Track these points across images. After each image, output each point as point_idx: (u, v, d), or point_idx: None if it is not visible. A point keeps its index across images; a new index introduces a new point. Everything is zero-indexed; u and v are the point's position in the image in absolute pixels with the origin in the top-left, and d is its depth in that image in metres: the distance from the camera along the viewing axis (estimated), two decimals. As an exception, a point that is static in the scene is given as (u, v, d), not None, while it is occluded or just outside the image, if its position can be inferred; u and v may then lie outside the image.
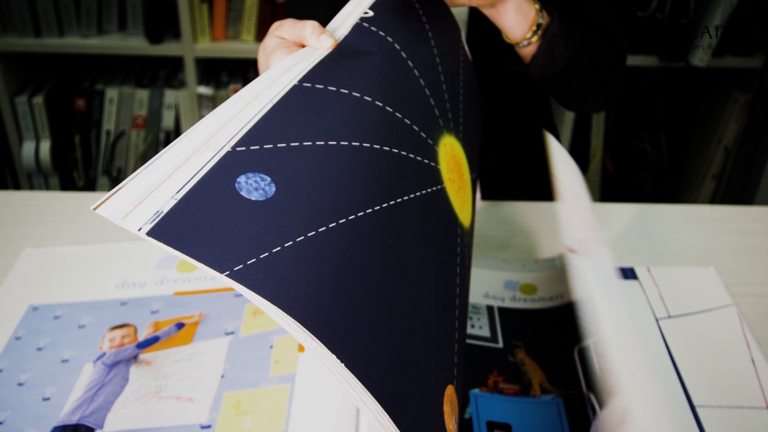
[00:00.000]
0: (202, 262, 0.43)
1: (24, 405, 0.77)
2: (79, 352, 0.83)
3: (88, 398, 0.77)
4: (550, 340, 0.86)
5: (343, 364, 0.45)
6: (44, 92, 2.23)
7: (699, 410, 0.77)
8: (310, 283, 0.46)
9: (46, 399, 0.77)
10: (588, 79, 1.05)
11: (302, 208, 0.50)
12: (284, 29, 0.74)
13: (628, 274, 0.97)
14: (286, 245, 0.47)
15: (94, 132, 2.30)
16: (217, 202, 0.47)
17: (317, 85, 0.62)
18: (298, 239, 0.48)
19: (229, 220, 0.46)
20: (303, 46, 0.71)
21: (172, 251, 0.43)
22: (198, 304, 0.90)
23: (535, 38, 0.95)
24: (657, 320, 0.89)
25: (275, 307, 0.44)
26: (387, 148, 0.61)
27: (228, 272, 0.43)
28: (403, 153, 0.63)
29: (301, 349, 0.82)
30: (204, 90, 2.19)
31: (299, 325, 0.44)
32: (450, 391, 0.59)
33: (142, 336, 0.86)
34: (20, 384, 0.79)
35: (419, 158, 0.65)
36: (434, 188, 0.66)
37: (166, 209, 0.45)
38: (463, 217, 0.73)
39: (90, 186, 2.36)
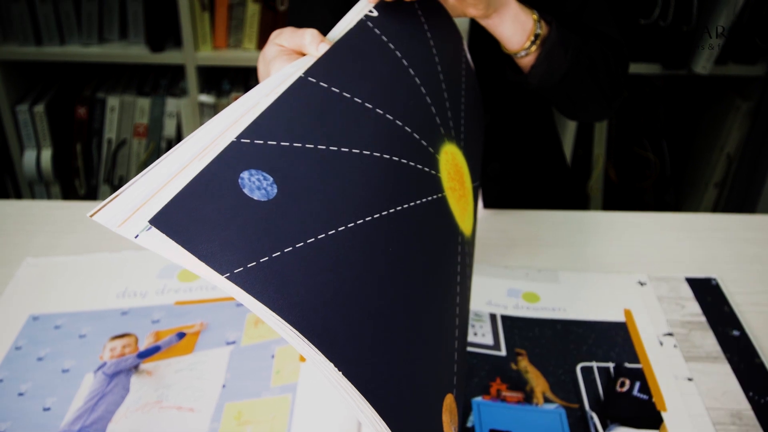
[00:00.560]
0: (203, 260, 0.43)
1: (24, 415, 0.76)
2: (80, 362, 0.83)
3: (88, 408, 0.77)
4: (552, 349, 0.86)
5: (340, 372, 0.45)
6: (45, 101, 2.23)
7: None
8: (309, 291, 0.46)
9: (46, 409, 0.77)
10: (588, 88, 1.04)
11: (303, 213, 0.50)
12: (284, 37, 0.74)
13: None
14: (286, 250, 0.47)
15: (95, 140, 2.30)
16: (220, 198, 0.46)
17: (321, 83, 0.61)
18: (298, 245, 0.48)
19: (231, 218, 0.46)
20: (303, 54, 0.71)
21: (170, 247, 0.43)
22: (199, 314, 0.90)
23: (533, 48, 0.95)
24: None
25: (272, 313, 0.43)
26: (387, 156, 0.61)
27: (228, 274, 0.43)
28: (403, 161, 0.63)
29: (302, 359, 0.82)
30: (205, 98, 2.18)
31: (297, 333, 0.44)
32: (449, 400, 0.59)
33: (143, 346, 0.85)
34: (21, 394, 0.79)
35: (419, 166, 0.65)
36: (435, 196, 0.66)
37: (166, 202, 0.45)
38: (464, 225, 0.73)
39: (91, 194, 2.36)
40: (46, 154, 2.27)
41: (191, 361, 0.83)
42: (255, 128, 0.53)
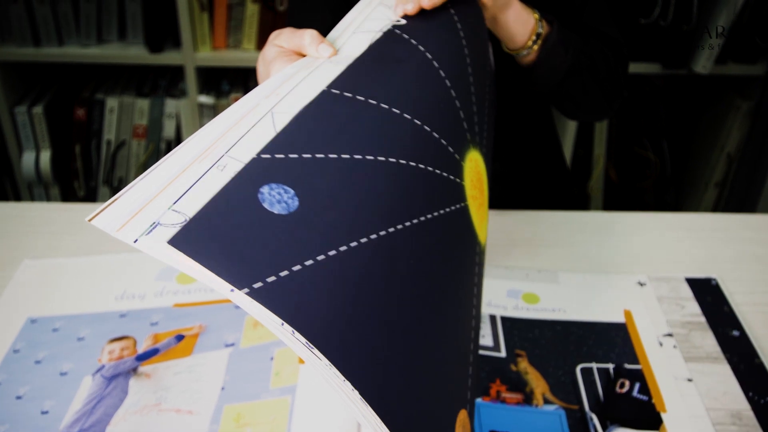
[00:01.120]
0: (222, 276, 0.42)
1: (23, 418, 0.76)
2: (78, 365, 0.83)
3: (87, 411, 0.77)
4: (552, 350, 0.86)
5: (357, 392, 0.44)
6: (44, 102, 2.22)
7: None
8: (329, 306, 0.45)
9: (44, 412, 0.77)
10: (589, 88, 1.04)
11: (325, 225, 0.49)
12: (283, 38, 0.74)
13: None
14: (306, 264, 0.45)
15: (94, 142, 2.30)
16: (240, 213, 0.45)
17: (346, 93, 0.60)
18: (319, 258, 0.47)
19: (250, 232, 0.45)
20: (302, 55, 0.71)
21: (172, 253, 0.42)
22: (198, 316, 0.89)
23: (534, 47, 0.95)
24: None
25: (290, 328, 0.42)
26: (414, 164, 0.59)
27: (247, 289, 0.42)
28: (429, 168, 0.61)
29: (301, 361, 0.81)
30: (205, 99, 2.18)
31: (316, 349, 0.43)
32: (463, 416, 0.58)
33: (142, 348, 0.85)
34: (19, 397, 0.79)
35: (445, 174, 0.63)
36: (458, 206, 0.65)
37: (164, 220, 0.44)
38: (481, 234, 0.72)
39: (91, 196, 2.36)
40: (45, 156, 2.26)
41: (190, 363, 0.83)
42: (276, 143, 0.52)
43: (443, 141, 0.65)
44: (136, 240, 0.42)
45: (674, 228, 1.10)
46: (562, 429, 0.76)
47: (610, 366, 0.84)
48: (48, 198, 2.35)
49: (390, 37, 0.70)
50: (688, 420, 0.77)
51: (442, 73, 0.70)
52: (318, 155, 0.53)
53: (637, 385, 0.81)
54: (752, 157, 2.23)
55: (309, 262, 0.46)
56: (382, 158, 0.57)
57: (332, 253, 0.47)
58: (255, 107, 0.56)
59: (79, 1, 2.12)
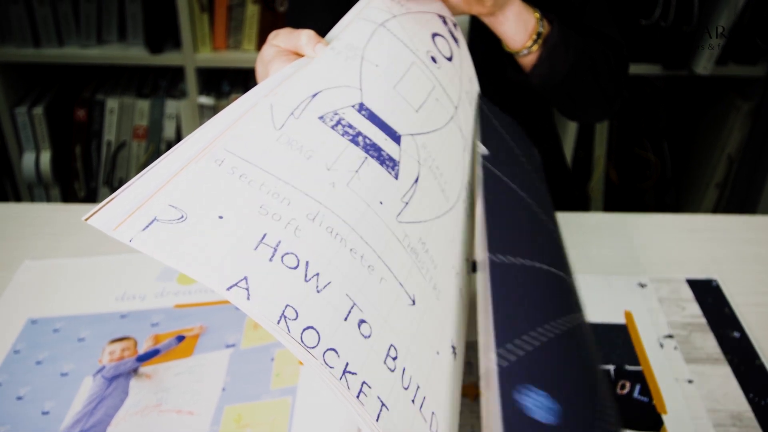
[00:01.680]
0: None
1: (23, 419, 0.76)
2: (79, 366, 0.83)
3: (87, 412, 0.77)
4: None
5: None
6: (44, 103, 2.22)
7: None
8: None
9: (45, 413, 0.77)
10: (589, 88, 1.04)
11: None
12: (280, 38, 0.74)
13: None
14: None
15: (94, 143, 2.30)
16: None
17: (507, 258, 0.63)
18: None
19: None
20: (300, 55, 0.71)
21: (167, 249, 0.43)
22: (198, 317, 0.89)
23: (535, 47, 0.95)
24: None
25: (287, 327, 0.44)
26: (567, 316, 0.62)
27: None
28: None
29: (301, 362, 0.81)
30: (205, 100, 2.18)
31: None
32: None
33: (142, 349, 0.85)
34: (19, 398, 0.79)
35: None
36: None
37: (162, 217, 0.44)
38: None
39: (91, 197, 2.36)
40: (45, 157, 2.26)
41: (191, 364, 0.83)
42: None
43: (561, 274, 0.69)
44: (131, 239, 0.43)
45: (675, 229, 1.10)
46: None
47: (611, 367, 0.84)
48: (48, 199, 2.35)
49: (489, 177, 0.73)
50: (688, 421, 0.77)
51: (529, 200, 0.77)
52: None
53: (637, 387, 0.81)
54: (753, 157, 2.23)
55: None
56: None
57: None
58: (254, 106, 0.57)
59: (79, 2, 2.12)
